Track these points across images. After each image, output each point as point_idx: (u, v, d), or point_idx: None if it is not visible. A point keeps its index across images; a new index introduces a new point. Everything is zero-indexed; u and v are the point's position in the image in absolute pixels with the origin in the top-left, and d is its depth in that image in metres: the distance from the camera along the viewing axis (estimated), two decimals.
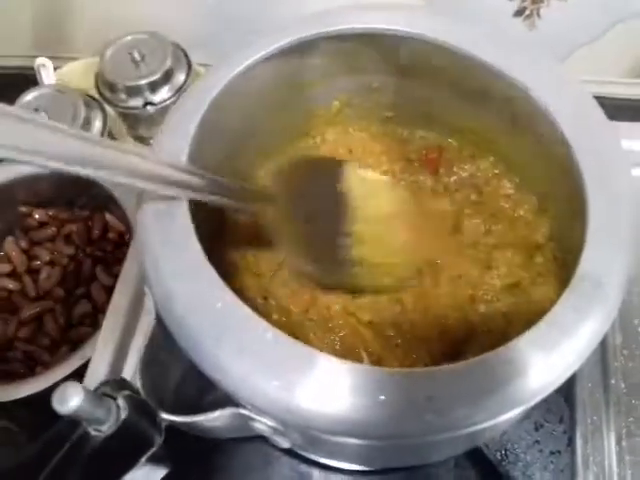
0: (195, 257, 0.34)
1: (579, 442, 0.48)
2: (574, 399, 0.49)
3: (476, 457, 0.47)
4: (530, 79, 0.40)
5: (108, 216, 0.72)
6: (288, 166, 0.47)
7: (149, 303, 0.36)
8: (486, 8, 0.71)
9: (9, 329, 0.67)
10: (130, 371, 0.51)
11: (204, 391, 0.39)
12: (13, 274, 0.71)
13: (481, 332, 0.44)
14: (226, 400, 0.34)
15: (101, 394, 0.28)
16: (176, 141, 0.39)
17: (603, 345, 0.51)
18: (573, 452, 0.48)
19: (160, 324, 0.34)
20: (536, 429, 0.48)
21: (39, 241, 0.72)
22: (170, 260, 0.34)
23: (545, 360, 0.32)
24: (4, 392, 0.59)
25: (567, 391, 0.49)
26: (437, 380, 0.30)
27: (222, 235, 0.49)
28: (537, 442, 0.47)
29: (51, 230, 0.72)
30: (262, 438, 0.44)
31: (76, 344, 0.67)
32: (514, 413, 0.32)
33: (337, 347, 0.44)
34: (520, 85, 0.40)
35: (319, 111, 0.51)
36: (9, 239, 0.71)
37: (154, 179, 0.34)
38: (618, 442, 0.48)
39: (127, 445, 0.30)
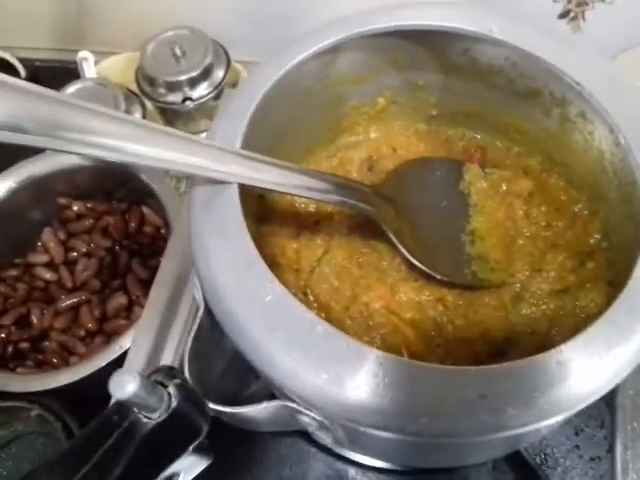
0: (246, 249, 0.34)
1: (619, 448, 0.47)
2: (615, 405, 0.48)
3: (515, 460, 0.46)
4: (586, 78, 0.39)
5: (145, 210, 0.73)
6: (405, 166, 0.49)
7: (197, 294, 0.36)
8: (530, 10, 0.70)
9: (45, 319, 0.68)
10: (167, 363, 0.51)
11: (246, 383, 0.39)
12: (50, 265, 0.71)
13: (524, 334, 0.43)
14: (266, 393, 0.34)
15: (154, 381, 0.29)
16: (230, 129, 0.39)
17: None
18: (613, 458, 0.47)
19: (208, 316, 0.34)
20: (576, 434, 0.47)
21: (76, 233, 0.73)
22: (221, 252, 0.34)
23: (596, 365, 0.32)
24: (39, 381, 0.60)
25: (609, 397, 0.48)
26: (490, 378, 0.30)
27: (264, 226, 0.49)
28: (577, 447, 0.47)
29: (88, 222, 0.73)
30: (299, 434, 0.44)
31: (110, 336, 0.67)
32: (563, 416, 0.31)
33: (378, 345, 0.44)
34: (575, 84, 0.39)
35: (364, 108, 0.51)
36: (47, 230, 0.72)
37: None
38: None
39: (177, 433, 0.30)
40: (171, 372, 0.30)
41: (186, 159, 0.33)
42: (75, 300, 0.68)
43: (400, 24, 0.43)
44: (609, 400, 0.48)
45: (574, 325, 0.42)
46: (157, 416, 0.29)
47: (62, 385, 0.59)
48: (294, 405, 0.32)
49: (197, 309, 0.36)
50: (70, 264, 0.71)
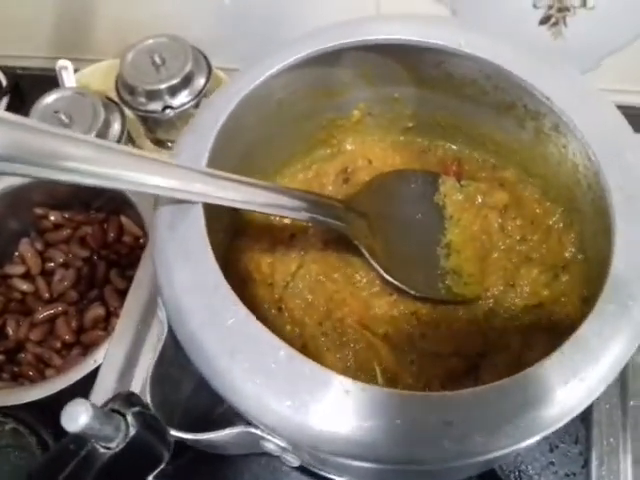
0: (210, 270, 0.33)
1: (595, 463, 0.47)
2: (591, 420, 0.48)
3: (490, 478, 0.46)
4: (556, 92, 0.39)
5: (124, 219, 0.72)
6: (379, 178, 0.49)
7: (161, 315, 0.35)
8: (511, 16, 0.70)
9: (21, 331, 0.67)
10: (140, 380, 0.50)
11: (215, 406, 0.38)
12: (27, 276, 0.71)
13: (498, 349, 0.43)
14: (236, 416, 0.34)
15: (110, 410, 0.28)
16: (196, 145, 0.39)
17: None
18: (588, 474, 0.46)
19: (171, 338, 0.33)
20: (551, 450, 0.47)
21: (54, 243, 0.72)
22: (184, 273, 0.33)
23: (567, 386, 0.31)
24: (15, 395, 0.59)
25: (584, 412, 0.47)
26: (456, 405, 0.29)
27: (238, 239, 0.49)
28: (552, 463, 0.46)
29: (66, 232, 0.72)
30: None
31: (88, 348, 0.67)
32: (533, 440, 0.31)
33: (351, 362, 0.43)
34: (545, 98, 0.39)
35: (339, 120, 0.50)
36: (24, 240, 0.71)
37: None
38: (635, 464, 0.46)
39: (135, 462, 0.29)
40: (130, 399, 0.29)
41: (148, 179, 0.33)
42: (51, 311, 0.67)
43: (372, 39, 0.42)
44: (584, 415, 0.48)
45: (548, 340, 0.41)
46: (115, 445, 0.28)
47: (37, 399, 0.58)
48: (257, 431, 0.31)
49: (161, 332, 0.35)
50: (47, 275, 0.70)
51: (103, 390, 0.50)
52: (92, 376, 0.57)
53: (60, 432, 0.60)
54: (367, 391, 0.30)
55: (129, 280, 0.68)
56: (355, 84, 0.47)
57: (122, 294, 0.68)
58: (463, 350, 0.43)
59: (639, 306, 0.32)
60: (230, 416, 0.38)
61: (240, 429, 0.32)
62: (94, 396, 0.50)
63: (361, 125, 0.51)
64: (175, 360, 0.34)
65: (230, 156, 0.42)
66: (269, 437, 0.31)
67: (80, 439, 0.28)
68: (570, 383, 0.31)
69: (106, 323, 0.67)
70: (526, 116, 0.43)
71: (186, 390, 0.36)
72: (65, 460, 0.28)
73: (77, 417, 0.25)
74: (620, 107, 0.72)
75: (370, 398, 0.30)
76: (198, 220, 0.35)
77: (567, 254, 0.44)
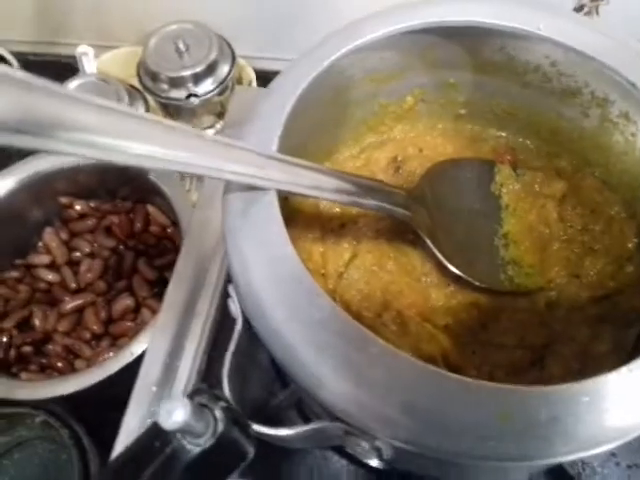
0: (290, 261, 0.32)
1: None
2: None
3: (553, 470, 0.45)
4: (637, 76, 0.37)
5: (150, 208, 0.71)
6: (436, 167, 0.47)
7: (234, 307, 0.34)
8: (543, 4, 0.69)
9: (48, 322, 0.66)
10: (184, 374, 0.49)
11: (272, 392, 0.37)
12: (52, 266, 0.69)
13: (563, 341, 0.42)
14: (292, 401, 0.32)
15: (199, 405, 0.27)
16: (266, 131, 0.37)
17: None
18: None
19: (246, 331, 0.32)
20: None
21: (79, 232, 0.71)
22: (262, 263, 0.32)
23: None
24: (46, 388, 0.58)
25: None
26: (562, 399, 0.28)
27: (291, 225, 0.47)
28: (613, 455, 0.46)
29: (91, 222, 0.71)
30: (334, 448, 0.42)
31: (117, 339, 0.66)
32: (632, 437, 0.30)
33: (412, 354, 0.42)
34: (626, 82, 0.37)
35: (391, 107, 0.49)
36: (48, 230, 0.70)
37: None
38: None
39: (222, 458, 0.28)
40: (214, 394, 0.28)
41: (221, 164, 0.31)
42: (79, 302, 0.66)
43: (437, 20, 0.41)
44: None
45: (615, 331, 0.41)
46: (203, 442, 0.27)
47: (70, 393, 0.57)
48: (348, 428, 0.30)
49: (235, 324, 0.34)
50: (73, 265, 0.69)
51: (146, 384, 0.49)
52: (126, 369, 0.56)
53: (93, 425, 0.59)
54: (468, 385, 0.29)
55: (158, 270, 0.67)
56: (412, 68, 0.46)
57: (151, 284, 0.67)
58: (527, 341, 0.42)
59: None
60: (285, 406, 0.37)
61: (326, 423, 0.31)
62: (136, 390, 0.49)
63: (413, 112, 0.50)
64: (246, 353, 0.33)
65: (290, 145, 0.41)
66: (360, 434, 0.30)
67: (165, 434, 0.27)
68: None
69: (135, 314, 0.66)
70: (592, 103, 0.42)
71: (253, 383, 0.35)
72: (149, 457, 0.27)
73: (175, 414, 0.24)
74: None
75: (476, 394, 0.29)
76: (273, 207, 0.33)
77: (630, 245, 0.43)
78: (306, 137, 0.44)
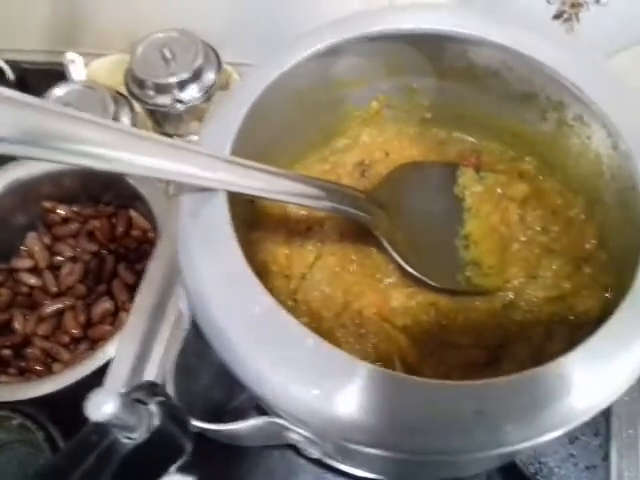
0: (234, 259, 0.33)
1: (614, 456, 0.46)
2: (610, 412, 0.47)
3: (509, 470, 0.45)
4: (585, 82, 0.38)
5: (133, 213, 0.71)
6: (399, 170, 0.48)
7: (183, 305, 0.35)
8: (524, 11, 0.69)
9: (28, 325, 0.66)
10: (152, 373, 0.49)
11: (232, 394, 0.37)
12: (34, 270, 0.70)
13: (518, 340, 0.42)
14: (252, 404, 0.33)
15: (133, 400, 0.27)
16: (220, 134, 0.38)
17: None
18: (608, 467, 0.46)
19: (194, 328, 0.33)
20: (571, 442, 0.46)
21: (62, 237, 0.71)
22: (208, 261, 0.33)
23: (597, 378, 0.31)
24: (22, 390, 0.58)
25: None
26: (487, 393, 0.29)
27: (254, 231, 0.48)
28: (572, 455, 0.46)
29: (74, 226, 0.71)
30: (288, 445, 0.42)
31: (96, 342, 0.66)
32: (562, 431, 0.30)
33: (370, 354, 0.42)
34: (574, 88, 0.38)
35: (357, 111, 0.50)
36: (31, 234, 0.71)
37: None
38: None
39: (158, 453, 0.28)
40: (153, 389, 0.29)
41: (173, 167, 0.32)
42: (59, 306, 0.67)
43: (398, 27, 0.42)
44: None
45: (570, 332, 0.41)
46: (137, 436, 0.27)
47: (45, 394, 0.58)
48: (282, 422, 0.30)
49: (182, 321, 0.35)
50: (55, 269, 0.69)
51: (115, 384, 0.49)
52: (101, 371, 0.57)
53: (69, 427, 0.59)
54: (397, 379, 0.29)
55: (138, 274, 0.67)
56: (375, 74, 0.46)
57: (130, 288, 0.68)
58: (483, 341, 0.42)
59: None
60: (245, 407, 0.38)
61: (265, 420, 0.31)
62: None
63: (379, 117, 0.50)
64: (196, 351, 0.33)
65: (251, 147, 0.42)
66: (294, 427, 0.31)
67: (102, 429, 0.27)
68: (602, 372, 0.31)
69: (114, 317, 0.67)
70: (548, 107, 0.42)
71: (204, 382, 0.35)
72: (86, 450, 0.28)
73: (103, 406, 0.25)
74: None
75: (399, 386, 0.29)
76: (222, 208, 0.34)
77: (589, 246, 0.44)
78: (271, 140, 0.45)
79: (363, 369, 0.30)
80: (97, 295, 0.68)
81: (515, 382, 0.29)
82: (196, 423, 0.31)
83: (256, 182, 0.35)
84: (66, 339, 0.66)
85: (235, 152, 0.37)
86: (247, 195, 0.36)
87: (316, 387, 0.29)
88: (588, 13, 0.68)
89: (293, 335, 0.30)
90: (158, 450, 0.28)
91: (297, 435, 0.31)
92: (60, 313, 0.67)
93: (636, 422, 0.47)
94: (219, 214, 0.34)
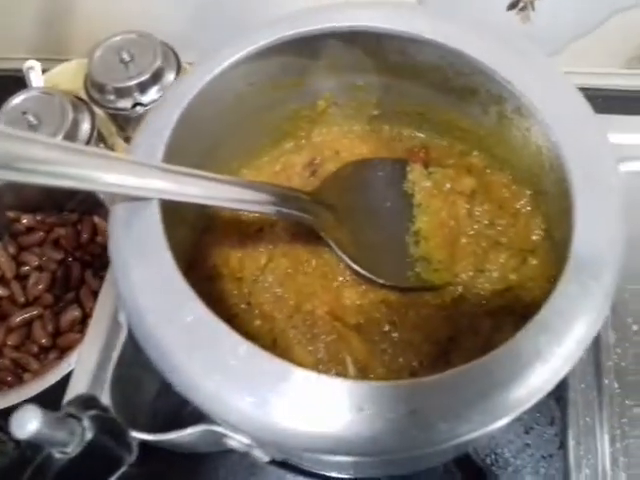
0: (166, 267, 0.33)
1: (572, 444, 0.47)
2: (566, 400, 0.48)
3: (465, 462, 0.46)
4: (517, 75, 0.38)
5: (97, 219, 0.71)
6: (346, 168, 0.48)
7: (121, 315, 0.35)
8: (479, 1, 0.69)
9: None
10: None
11: (185, 404, 0.37)
12: (1, 280, 0.70)
13: (467, 334, 0.43)
14: (205, 414, 0.33)
15: (64, 415, 0.27)
16: (151, 140, 0.38)
17: (596, 344, 0.50)
18: (565, 455, 0.46)
19: (132, 338, 0.33)
20: (526, 432, 0.47)
21: (27, 246, 0.71)
22: (140, 270, 0.33)
23: (531, 368, 0.31)
24: None
25: (559, 392, 0.48)
26: (419, 393, 0.29)
27: (206, 234, 0.48)
28: (527, 445, 0.47)
29: (39, 235, 0.71)
30: None
31: (65, 351, 0.66)
32: (500, 424, 0.31)
33: (322, 354, 0.43)
34: (506, 82, 0.38)
35: (304, 111, 0.50)
36: None
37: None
38: (612, 444, 0.46)
39: (94, 465, 0.29)
40: (87, 402, 0.29)
41: (101, 176, 0.32)
42: (27, 315, 0.67)
43: (332, 26, 0.41)
44: (559, 396, 0.48)
45: (516, 324, 0.41)
46: (70, 450, 0.27)
47: (14, 404, 0.58)
48: (219, 429, 0.31)
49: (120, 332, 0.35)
50: (22, 278, 0.69)
51: (77, 392, 0.49)
52: (67, 380, 0.57)
53: None
54: (328, 383, 0.30)
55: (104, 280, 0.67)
56: (318, 73, 0.46)
57: (98, 295, 0.67)
58: (433, 336, 0.43)
59: (600, 286, 0.32)
60: (199, 414, 0.38)
61: (202, 427, 0.31)
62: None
63: (327, 115, 0.50)
64: (138, 361, 0.33)
65: (191, 151, 0.42)
66: (232, 434, 0.31)
67: (36, 445, 0.27)
68: (534, 364, 0.31)
69: (82, 325, 0.67)
70: (489, 101, 0.43)
71: (151, 390, 0.36)
72: (21, 467, 0.28)
73: (26, 423, 0.25)
74: (587, 89, 0.72)
75: (331, 390, 0.29)
76: (154, 216, 0.34)
77: (535, 237, 0.44)
78: (215, 144, 0.45)
79: (296, 374, 0.30)
80: (65, 303, 0.68)
81: (444, 379, 0.30)
82: (135, 434, 0.31)
83: (191, 189, 0.35)
84: (35, 349, 0.66)
85: (171, 159, 0.37)
86: (183, 203, 0.36)
87: (249, 394, 0.29)
88: (543, 2, 0.68)
89: (226, 342, 0.30)
90: (93, 463, 0.28)
91: (235, 442, 0.32)
92: (29, 323, 0.67)
93: (593, 410, 0.47)
94: (151, 223, 0.34)
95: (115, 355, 0.34)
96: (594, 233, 0.33)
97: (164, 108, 0.39)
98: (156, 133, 0.37)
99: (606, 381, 0.48)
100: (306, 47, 0.43)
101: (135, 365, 0.34)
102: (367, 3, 0.42)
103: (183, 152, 0.39)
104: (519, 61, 0.39)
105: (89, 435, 0.28)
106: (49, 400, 0.59)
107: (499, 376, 0.30)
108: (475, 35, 0.40)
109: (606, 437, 0.46)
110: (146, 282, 0.33)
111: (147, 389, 0.36)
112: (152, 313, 0.32)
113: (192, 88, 0.39)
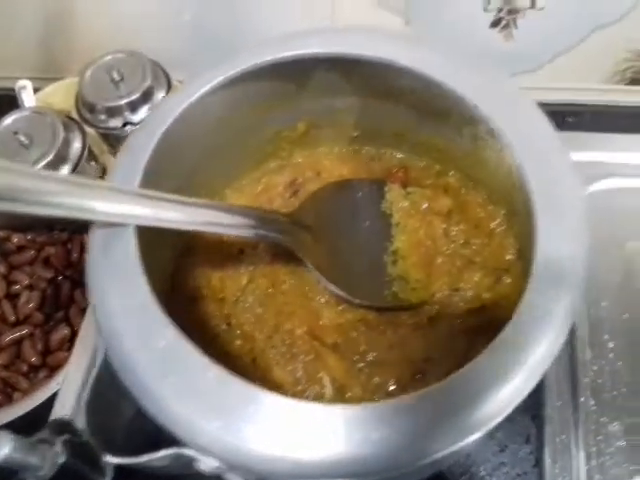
0: (141, 293, 0.33)
1: (547, 462, 0.47)
2: (542, 418, 0.48)
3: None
4: (483, 98, 0.39)
5: (87, 238, 0.72)
6: (324, 189, 0.49)
7: (98, 340, 0.35)
8: (463, 21, 0.70)
9: None
10: None
11: (158, 428, 0.38)
12: None
13: (443, 353, 0.43)
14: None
15: (37, 440, 0.28)
16: (130, 165, 0.39)
17: (572, 361, 0.50)
18: (541, 473, 0.47)
19: (108, 362, 0.34)
20: (501, 450, 0.47)
21: (18, 265, 0.72)
22: (116, 296, 0.34)
23: (493, 388, 0.32)
24: None
25: (534, 410, 0.48)
26: (382, 417, 0.30)
27: (188, 255, 0.49)
28: (503, 464, 0.47)
29: (30, 254, 0.72)
30: None
31: (55, 370, 0.67)
32: (461, 445, 0.31)
33: (300, 374, 0.43)
34: (473, 106, 0.39)
35: (284, 133, 0.51)
36: None
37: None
38: (587, 461, 0.47)
39: None
40: (60, 427, 0.29)
41: (73, 203, 0.33)
42: (17, 334, 0.67)
43: (308, 52, 0.42)
44: (534, 413, 0.48)
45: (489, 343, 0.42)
46: (43, 475, 0.28)
47: (3, 424, 0.58)
48: (190, 452, 0.31)
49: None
50: (12, 297, 0.70)
51: (62, 414, 0.50)
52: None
53: None
54: (297, 408, 0.30)
55: None
56: (298, 97, 0.47)
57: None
58: (409, 356, 0.43)
59: (560, 307, 0.33)
60: (174, 437, 0.38)
61: (174, 451, 0.32)
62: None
63: (308, 137, 0.51)
64: (113, 385, 0.34)
65: (172, 173, 0.43)
66: (203, 458, 0.31)
67: (9, 470, 0.28)
68: (496, 385, 0.31)
69: (71, 344, 0.67)
70: (462, 123, 0.43)
71: (128, 413, 0.36)
72: None
73: None
74: (570, 104, 0.74)
75: (299, 415, 0.30)
76: (130, 242, 0.35)
77: (509, 256, 0.45)
78: (195, 167, 0.46)
79: (265, 398, 0.30)
80: (55, 322, 0.68)
81: (406, 403, 0.30)
82: (109, 458, 0.32)
83: (168, 213, 0.36)
84: (25, 368, 0.66)
85: (150, 183, 0.38)
86: (161, 228, 0.36)
87: (218, 418, 0.30)
88: (525, 19, 0.69)
89: (196, 367, 0.31)
90: None
91: (207, 465, 0.32)
92: (18, 342, 0.67)
93: (569, 427, 0.48)
94: (128, 249, 0.35)
95: (90, 379, 0.34)
96: (554, 255, 0.34)
97: (142, 133, 0.40)
98: (134, 158, 0.38)
99: (582, 398, 0.48)
100: (285, 72, 0.44)
101: (111, 389, 0.35)
102: (340, 29, 0.43)
103: (163, 175, 0.40)
104: (484, 83, 0.40)
105: (61, 459, 0.28)
106: (39, 419, 0.60)
107: (462, 397, 0.31)
108: (445, 59, 0.41)
109: (582, 455, 0.47)
110: (122, 308, 0.33)
111: (123, 412, 0.36)
112: (127, 338, 0.32)
113: (170, 114, 0.40)
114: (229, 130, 0.47)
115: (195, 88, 0.42)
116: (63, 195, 0.33)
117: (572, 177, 0.37)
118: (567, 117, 0.72)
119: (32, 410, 0.59)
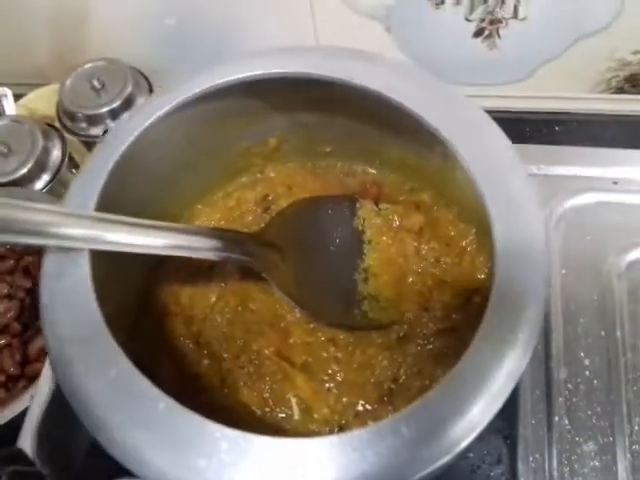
0: (93, 321, 0.33)
1: None
2: (515, 438, 0.47)
3: None
4: (443, 121, 0.39)
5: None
6: (293, 206, 0.48)
7: (49, 368, 0.35)
8: (446, 30, 0.69)
9: None
10: None
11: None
12: None
13: (411, 374, 0.43)
14: None
15: None
16: (87, 188, 0.38)
17: (547, 380, 0.49)
18: None
19: (59, 392, 0.33)
20: (473, 471, 0.47)
21: None
22: (68, 324, 0.33)
23: (450, 420, 0.31)
24: None
25: (506, 431, 0.48)
26: (325, 449, 0.29)
27: (158, 271, 0.48)
28: None
29: (9, 263, 0.71)
30: None
31: (32, 380, 0.66)
32: (432, 469, 0.31)
33: (268, 395, 0.43)
34: (433, 129, 0.39)
35: (256, 148, 0.50)
36: None
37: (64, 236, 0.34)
38: None
39: None
40: (10, 457, 0.29)
41: (26, 227, 0.32)
42: None
43: (274, 72, 0.42)
44: (507, 434, 0.48)
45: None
46: None
47: None
48: None
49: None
50: None
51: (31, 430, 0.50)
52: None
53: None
54: (246, 439, 0.30)
55: None
56: (268, 113, 0.47)
57: None
58: (377, 376, 0.43)
59: (515, 339, 0.33)
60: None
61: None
62: (23, 437, 0.50)
63: (279, 152, 0.51)
64: (67, 413, 0.33)
65: (136, 194, 0.42)
66: None
67: None
68: (460, 410, 0.31)
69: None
70: (432, 141, 0.43)
71: (83, 443, 0.36)
72: None
73: None
74: (554, 113, 0.73)
75: (251, 447, 0.30)
76: (83, 268, 0.34)
77: (480, 276, 0.44)
78: (163, 184, 0.46)
79: (216, 432, 0.30)
80: (33, 332, 0.68)
81: (354, 438, 0.30)
82: None
83: (126, 237, 0.36)
84: (3, 378, 0.66)
85: (108, 206, 0.37)
86: (114, 251, 0.36)
87: (168, 450, 0.30)
88: (508, 29, 0.69)
89: (147, 398, 0.31)
90: None
91: None
92: None
93: (542, 446, 0.47)
94: (81, 276, 0.34)
95: (41, 408, 0.34)
96: (510, 287, 0.34)
97: (100, 155, 0.39)
98: (90, 181, 0.38)
99: (556, 418, 0.48)
100: (252, 90, 0.43)
101: (63, 417, 0.34)
102: (305, 48, 0.43)
103: (124, 198, 0.40)
104: (443, 105, 0.40)
105: None
106: (17, 429, 0.59)
107: (421, 427, 0.30)
108: (402, 80, 0.41)
109: (555, 474, 0.46)
110: (73, 335, 0.33)
111: (78, 441, 0.36)
112: (78, 366, 0.32)
113: (129, 135, 0.40)
114: (198, 146, 0.47)
115: (154, 108, 0.42)
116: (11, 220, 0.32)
117: (530, 196, 0.37)
118: (555, 126, 0.72)
119: (10, 420, 0.58)
